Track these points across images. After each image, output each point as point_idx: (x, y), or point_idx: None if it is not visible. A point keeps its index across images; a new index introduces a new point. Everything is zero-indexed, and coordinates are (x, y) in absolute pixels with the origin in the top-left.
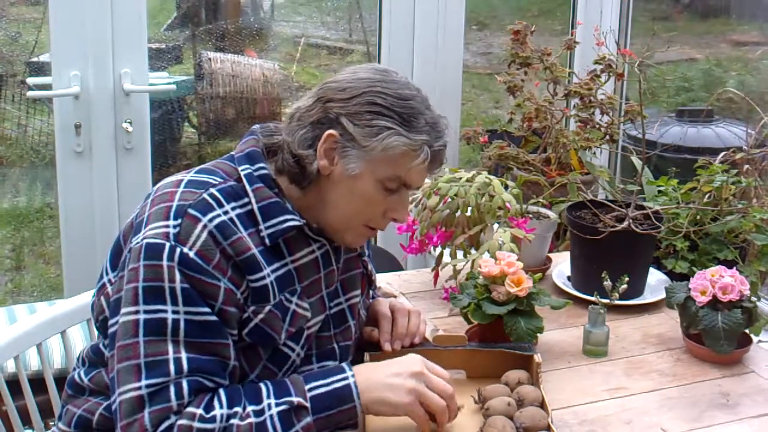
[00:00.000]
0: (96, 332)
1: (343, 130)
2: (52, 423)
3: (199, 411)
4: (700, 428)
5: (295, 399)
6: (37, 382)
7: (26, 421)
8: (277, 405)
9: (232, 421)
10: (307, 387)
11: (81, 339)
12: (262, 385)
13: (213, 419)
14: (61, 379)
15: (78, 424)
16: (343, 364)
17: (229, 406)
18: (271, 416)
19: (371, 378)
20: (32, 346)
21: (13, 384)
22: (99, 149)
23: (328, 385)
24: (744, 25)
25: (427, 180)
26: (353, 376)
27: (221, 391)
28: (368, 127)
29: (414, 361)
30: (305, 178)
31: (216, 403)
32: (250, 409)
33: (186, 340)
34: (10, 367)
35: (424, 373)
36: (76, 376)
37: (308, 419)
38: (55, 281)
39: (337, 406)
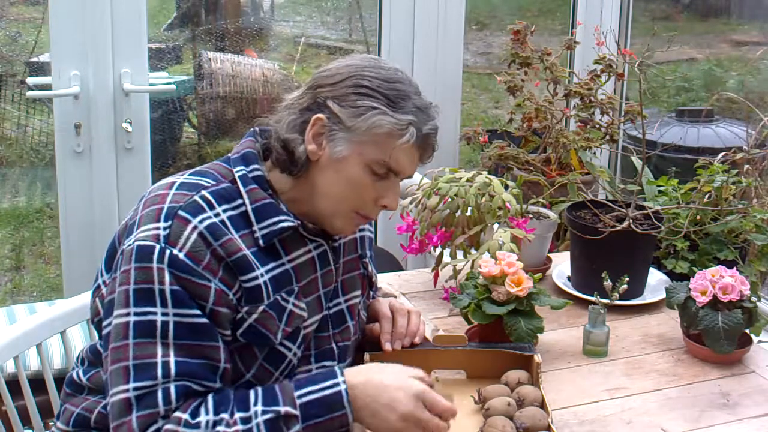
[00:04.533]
0: (95, 332)
1: (330, 113)
2: (51, 423)
3: (185, 416)
4: (700, 428)
5: (283, 408)
6: (37, 382)
7: (26, 421)
8: (263, 413)
9: (218, 428)
10: (296, 394)
11: (81, 339)
12: (251, 391)
13: (198, 425)
14: (60, 379)
15: (76, 422)
16: (336, 369)
17: (216, 413)
18: (257, 424)
19: (361, 398)
20: (32, 346)
21: (13, 384)
22: (99, 149)
23: (318, 391)
24: (744, 25)
25: (426, 179)
26: (344, 382)
27: (209, 397)
28: (354, 108)
29: (408, 397)
30: (294, 165)
31: (203, 409)
32: (237, 416)
33: (175, 342)
34: (10, 367)
35: (418, 416)
36: (74, 375)
37: (298, 427)
38: (54, 281)
39: (327, 413)
